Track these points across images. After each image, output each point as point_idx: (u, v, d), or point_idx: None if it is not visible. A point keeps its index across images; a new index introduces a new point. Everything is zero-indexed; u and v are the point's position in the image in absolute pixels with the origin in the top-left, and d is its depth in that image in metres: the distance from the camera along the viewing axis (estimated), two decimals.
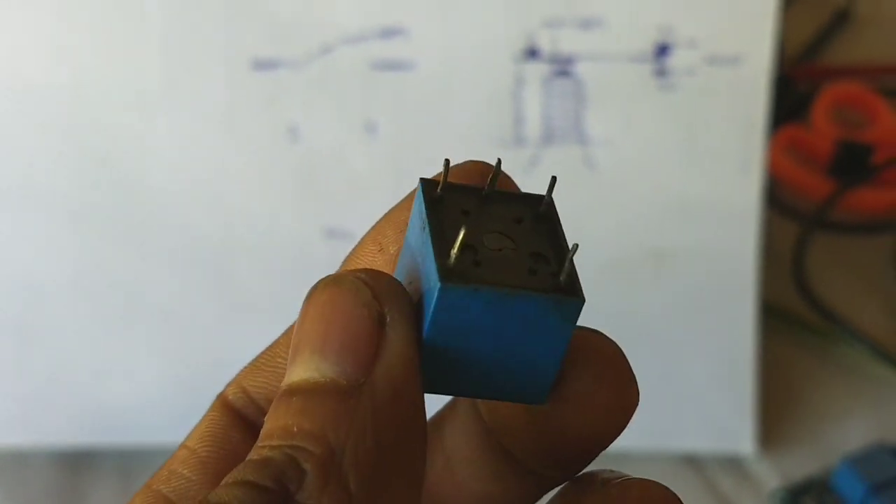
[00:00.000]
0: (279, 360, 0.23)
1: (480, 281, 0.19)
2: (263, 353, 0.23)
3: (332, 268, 0.45)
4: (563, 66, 0.43)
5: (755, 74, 0.44)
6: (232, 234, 0.43)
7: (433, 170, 0.43)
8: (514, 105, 0.43)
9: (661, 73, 0.43)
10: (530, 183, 0.46)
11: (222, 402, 0.23)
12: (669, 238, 0.44)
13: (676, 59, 0.43)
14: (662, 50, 0.43)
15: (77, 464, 0.43)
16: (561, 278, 0.19)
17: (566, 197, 0.43)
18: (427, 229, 0.19)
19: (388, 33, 0.43)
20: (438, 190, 0.20)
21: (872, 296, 0.52)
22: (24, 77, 0.41)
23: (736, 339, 0.45)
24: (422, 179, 0.20)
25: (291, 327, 0.20)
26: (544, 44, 0.43)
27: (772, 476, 0.45)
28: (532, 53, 0.43)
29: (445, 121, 0.43)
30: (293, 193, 0.43)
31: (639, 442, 0.45)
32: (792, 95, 0.61)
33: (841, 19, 0.66)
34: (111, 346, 0.43)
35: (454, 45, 0.43)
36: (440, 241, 0.19)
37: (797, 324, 0.50)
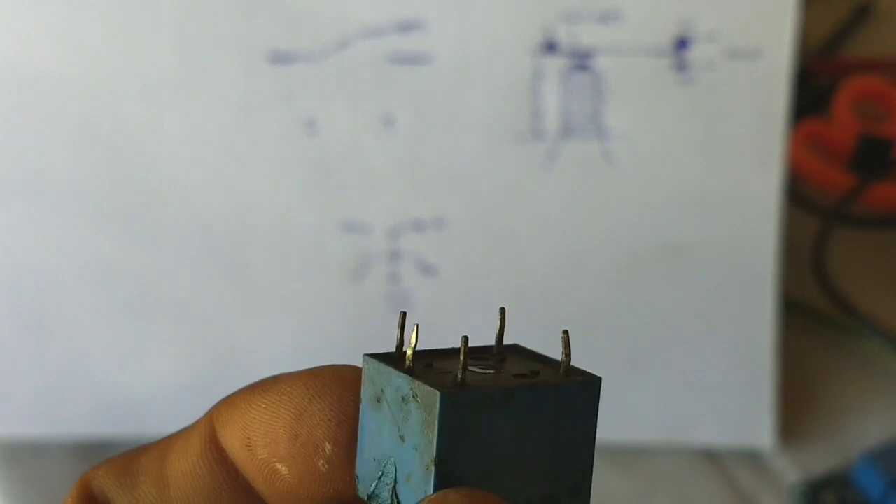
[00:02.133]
0: (141, 468, 0.21)
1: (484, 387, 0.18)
2: (132, 452, 0.21)
3: (347, 261, 0.44)
4: (581, 60, 0.43)
5: (775, 68, 0.43)
6: (248, 227, 0.43)
7: (448, 164, 0.42)
8: (531, 99, 0.43)
9: (680, 67, 0.43)
10: (548, 177, 0.45)
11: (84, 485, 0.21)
12: (688, 232, 0.44)
13: (696, 53, 0.43)
14: (682, 44, 0.43)
15: (94, 454, 0.43)
16: (561, 366, 0.19)
17: (584, 191, 0.43)
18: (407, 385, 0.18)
19: (406, 27, 0.43)
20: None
21: (893, 290, 0.51)
22: (38, 70, 0.41)
23: (755, 333, 0.44)
24: (365, 356, 0.19)
25: (160, 447, 0.20)
26: (562, 37, 0.42)
27: (791, 471, 0.44)
28: (550, 47, 0.42)
29: (462, 115, 0.43)
30: (309, 187, 0.43)
31: (657, 435, 0.44)
32: (813, 89, 0.61)
33: (862, 13, 0.66)
34: (128, 337, 0.43)
35: (471, 39, 0.43)
36: (423, 378, 0.18)
37: (817, 318, 0.49)
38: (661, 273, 0.44)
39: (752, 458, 0.45)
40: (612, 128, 0.43)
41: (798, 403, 0.46)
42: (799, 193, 0.55)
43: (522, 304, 0.43)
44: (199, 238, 0.43)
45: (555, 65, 0.43)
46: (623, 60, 0.43)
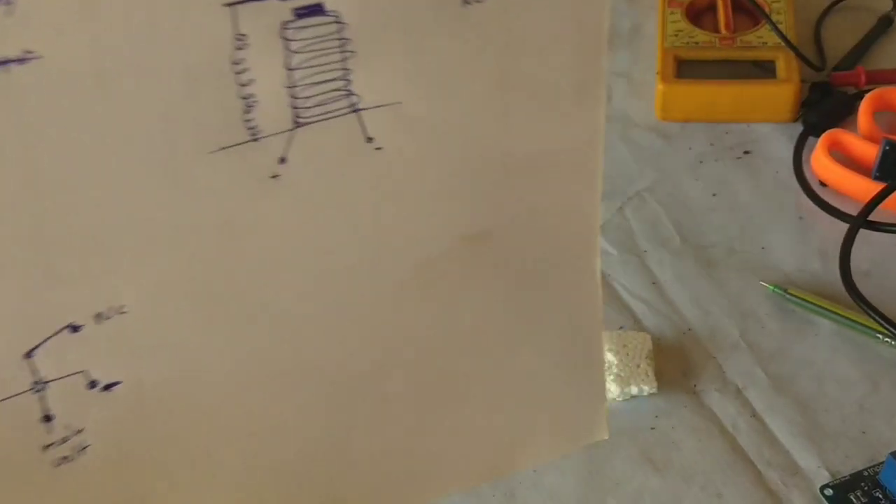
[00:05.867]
0: None
1: None
2: None
3: None
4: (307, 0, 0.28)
5: None
6: None
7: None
8: (233, 80, 0.28)
9: None
10: (284, 187, 0.30)
11: None
12: (490, 216, 0.33)
13: None
14: None
15: None
16: None
17: (341, 192, 0.30)
18: None
19: None
20: None
21: None
22: None
23: (583, 317, 0.36)
24: None
25: None
26: None
27: (821, 471, 0.45)
28: None
29: (109, 129, 0.27)
30: None
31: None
32: (837, 99, 0.62)
33: (884, 24, 0.66)
34: None
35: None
36: None
37: (844, 321, 0.50)
38: (462, 274, 0.34)
39: (782, 456, 0.45)
40: (371, 96, 0.30)
41: (827, 404, 0.47)
42: (825, 200, 0.56)
43: (267, 369, 0.32)
44: None
45: (264, 15, 0.27)
46: None
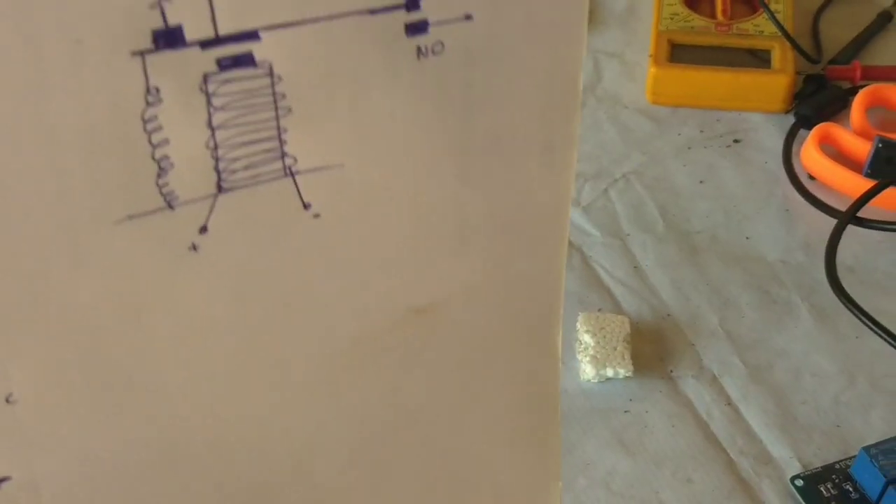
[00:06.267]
0: None
1: None
2: None
3: None
4: (233, 48, 0.23)
5: (564, 3, 0.26)
6: None
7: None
8: (144, 140, 0.24)
9: (415, 28, 0.25)
10: (201, 262, 0.26)
11: None
12: (440, 286, 0.29)
13: (440, 1, 0.25)
14: None
15: None
16: None
17: (270, 263, 0.27)
18: None
19: None
20: None
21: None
22: None
23: (540, 394, 0.33)
24: None
25: None
26: (188, 14, 0.22)
27: (793, 462, 0.45)
28: (165, 37, 0.23)
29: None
30: None
31: None
32: (831, 93, 0.61)
33: (884, 20, 0.66)
34: None
35: None
36: None
37: (829, 318, 0.50)
38: (407, 348, 0.30)
39: (754, 446, 0.45)
40: (306, 156, 0.26)
41: (803, 396, 0.47)
42: (814, 195, 0.55)
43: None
44: None
45: (181, 66, 0.23)
46: (310, 35, 0.24)
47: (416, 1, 0.24)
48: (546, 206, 0.29)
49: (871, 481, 0.43)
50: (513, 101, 0.27)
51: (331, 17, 0.24)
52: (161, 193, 0.24)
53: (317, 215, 0.26)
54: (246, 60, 0.23)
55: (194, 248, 0.25)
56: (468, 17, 0.25)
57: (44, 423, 0.26)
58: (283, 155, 0.25)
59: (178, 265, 0.25)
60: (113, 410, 0.27)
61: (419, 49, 0.25)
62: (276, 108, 0.24)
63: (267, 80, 0.24)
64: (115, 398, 0.27)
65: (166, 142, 0.24)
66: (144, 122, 0.23)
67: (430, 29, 0.25)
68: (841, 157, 0.57)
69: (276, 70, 0.24)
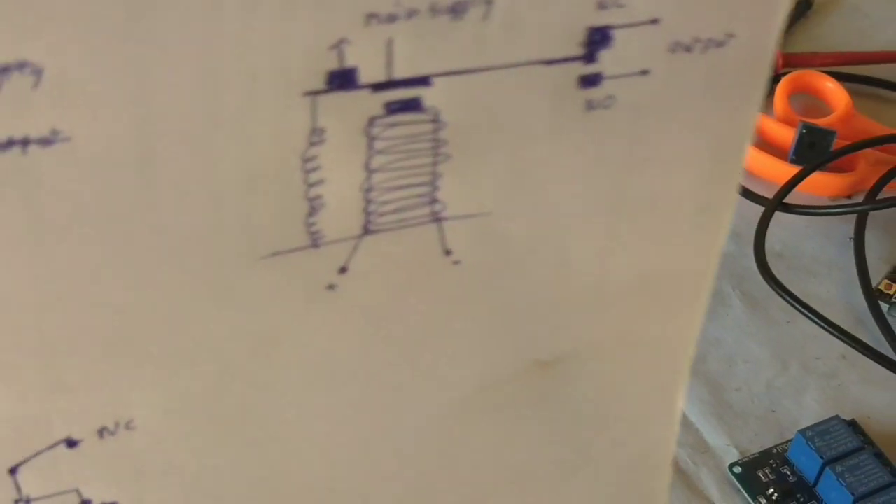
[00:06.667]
0: None
1: None
2: None
3: None
4: (403, 93, 0.23)
5: (747, 63, 0.25)
6: None
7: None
8: (301, 179, 0.23)
9: (589, 81, 0.24)
10: (342, 304, 0.26)
11: None
12: (571, 342, 0.29)
13: (619, 54, 0.24)
14: (597, 40, 0.23)
15: None
16: None
17: (404, 306, 0.26)
18: None
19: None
20: None
21: (829, 275, 0.52)
22: None
23: (653, 454, 0.32)
24: None
25: None
26: (366, 56, 0.22)
27: (730, 450, 0.45)
28: (340, 78, 0.22)
29: (142, 229, 0.23)
30: None
31: None
32: None
33: (803, 8, 0.67)
34: None
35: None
36: None
37: (759, 305, 0.50)
38: (528, 400, 0.29)
39: (690, 434, 0.46)
40: (456, 204, 0.25)
41: (738, 383, 0.47)
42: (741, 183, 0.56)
43: None
44: None
45: (349, 109, 0.23)
46: (487, 83, 0.23)
47: (594, 53, 0.23)
48: (691, 269, 0.28)
49: (808, 463, 0.44)
50: (676, 159, 0.26)
51: (506, 66, 0.23)
52: (308, 232, 0.24)
53: (457, 262, 0.26)
54: (414, 105, 0.23)
55: (331, 287, 0.25)
56: (644, 73, 0.24)
57: (159, 450, 0.26)
58: (433, 200, 0.25)
59: (313, 304, 0.25)
60: (227, 441, 0.27)
61: (588, 102, 0.24)
62: (436, 155, 0.24)
63: (430, 126, 0.24)
64: (231, 430, 0.26)
65: (322, 182, 0.23)
66: (304, 161, 0.23)
67: (604, 82, 0.24)
68: (766, 144, 0.58)
69: (442, 117, 0.23)
